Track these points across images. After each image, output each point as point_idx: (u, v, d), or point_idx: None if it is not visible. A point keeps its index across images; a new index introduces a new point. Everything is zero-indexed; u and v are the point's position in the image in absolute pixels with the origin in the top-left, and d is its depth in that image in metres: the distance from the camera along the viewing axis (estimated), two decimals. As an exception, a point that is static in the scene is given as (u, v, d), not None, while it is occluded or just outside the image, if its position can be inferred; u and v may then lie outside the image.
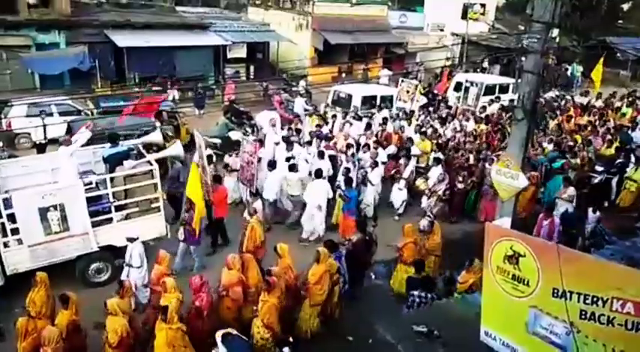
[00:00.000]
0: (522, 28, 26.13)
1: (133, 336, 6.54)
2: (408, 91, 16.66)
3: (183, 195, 10.92)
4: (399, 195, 12.04)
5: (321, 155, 11.98)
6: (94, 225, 8.63)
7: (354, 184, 10.97)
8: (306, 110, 18.33)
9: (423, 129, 14.66)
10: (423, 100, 19.69)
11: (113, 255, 8.94)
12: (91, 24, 20.86)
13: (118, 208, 8.97)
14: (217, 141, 14.34)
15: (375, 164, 11.92)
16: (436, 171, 11.93)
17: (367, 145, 12.96)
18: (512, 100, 19.19)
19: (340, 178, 11.37)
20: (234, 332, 6.21)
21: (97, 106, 16.23)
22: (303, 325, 7.54)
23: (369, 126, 14.95)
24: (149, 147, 10.97)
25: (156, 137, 10.98)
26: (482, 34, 32.31)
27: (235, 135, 14.28)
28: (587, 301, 3.55)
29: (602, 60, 19.50)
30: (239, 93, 20.24)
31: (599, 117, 17.29)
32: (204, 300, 6.92)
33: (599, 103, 20.23)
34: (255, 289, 7.61)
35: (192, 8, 29.62)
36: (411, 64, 29.29)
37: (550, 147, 13.70)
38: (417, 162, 13.14)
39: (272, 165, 11.20)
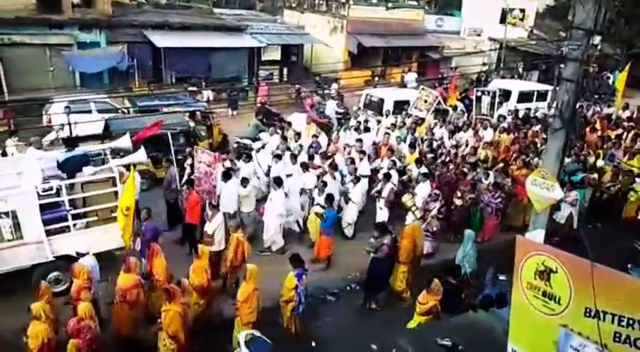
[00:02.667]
0: (563, 34, 25.47)
1: (56, 344, 6.19)
2: (426, 101, 15.95)
3: (179, 200, 10.94)
4: (379, 214, 11.22)
5: (305, 167, 11.35)
6: (50, 233, 8.24)
7: (335, 202, 10.27)
8: (337, 113, 18.30)
9: (416, 142, 13.63)
10: (460, 105, 19.34)
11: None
12: (130, 24, 21.35)
13: (76, 216, 8.54)
14: (249, 142, 14.51)
15: (357, 180, 11.15)
16: (424, 188, 10.93)
17: (352, 159, 12.08)
18: (528, 109, 18.73)
19: (315, 192, 10.77)
20: (258, 333, 6.21)
21: (133, 105, 16.61)
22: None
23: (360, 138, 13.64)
24: (116, 152, 10.37)
25: (124, 143, 10.28)
26: (520, 39, 31.62)
27: (266, 136, 14.37)
28: (622, 323, 3.38)
29: (627, 67, 18.91)
30: (272, 96, 20.39)
31: (629, 131, 16.60)
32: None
33: (627, 114, 19.42)
34: (164, 278, 7.70)
35: (229, 10, 29.97)
36: (446, 68, 28.90)
37: (568, 159, 13.01)
38: (401, 175, 12.02)
39: (227, 176, 10.38)
